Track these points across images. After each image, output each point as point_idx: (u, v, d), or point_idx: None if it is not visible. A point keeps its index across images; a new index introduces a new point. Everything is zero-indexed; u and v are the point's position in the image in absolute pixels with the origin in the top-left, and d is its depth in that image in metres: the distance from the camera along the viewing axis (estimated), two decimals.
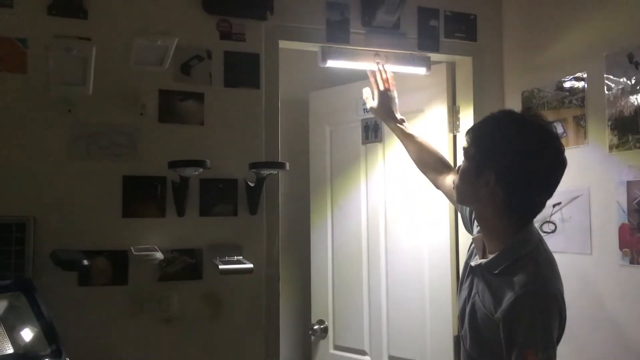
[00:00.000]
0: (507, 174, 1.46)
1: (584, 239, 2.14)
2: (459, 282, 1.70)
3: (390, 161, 2.78)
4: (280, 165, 2.08)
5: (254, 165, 2.08)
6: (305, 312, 3.08)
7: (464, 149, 1.57)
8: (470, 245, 1.69)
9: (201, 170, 1.99)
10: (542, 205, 1.54)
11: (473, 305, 1.55)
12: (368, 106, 2.30)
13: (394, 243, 2.74)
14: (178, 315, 2.08)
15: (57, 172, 1.97)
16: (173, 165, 1.97)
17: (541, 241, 1.56)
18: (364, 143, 2.88)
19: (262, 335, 2.18)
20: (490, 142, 1.49)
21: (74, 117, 1.99)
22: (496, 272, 1.49)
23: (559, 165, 1.49)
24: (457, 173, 1.60)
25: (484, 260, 1.55)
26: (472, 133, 1.55)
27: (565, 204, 2.22)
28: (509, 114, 1.58)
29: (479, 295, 1.54)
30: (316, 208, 3.05)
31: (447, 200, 2.45)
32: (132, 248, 1.99)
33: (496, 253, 1.51)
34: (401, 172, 2.70)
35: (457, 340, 1.64)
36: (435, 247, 2.57)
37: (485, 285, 1.52)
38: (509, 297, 1.41)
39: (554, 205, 2.26)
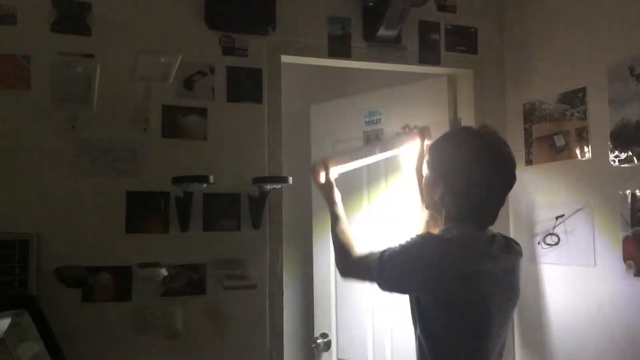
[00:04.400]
0: (452, 184, 1.57)
1: (587, 251, 2.14)
2: None
3: (392, 174, 2.77)
4: (284, 180, 2.08)
5: (258, 180, 2.08)
6: (309, 324, 3.07)
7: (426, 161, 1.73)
8: None
9: (205, 185, 1.99)
10: (492, 213, 1.61)
11: None
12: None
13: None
14: (182, 330, 2.07)
15: (60, 188, 1.98)
16: (177, 181, 1.97)
17: (477, 240, 1.57)
18: None
19: (266, 349, 2.18)
20: (438, 156, 1.63)
21: (78, 133, 2.00)
22: None
23: (501, 170, 1.57)
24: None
25: None
26: (428, 149, 1.73)
27: (569, 216, 2.22)
28: (456, 130, 1.79)
29: None
30: (318, 221, 3.04)
31: None
32: (135, 264, 1.99)
33: None
34: (403, 185, 2.70)
35: None
36: None
37: None
38: None
39: (557, 218, 2.27)
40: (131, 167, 2.05)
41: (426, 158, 1.71)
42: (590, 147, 2.16)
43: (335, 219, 1.81)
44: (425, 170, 1.71)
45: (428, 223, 1.95)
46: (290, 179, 2.08)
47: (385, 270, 1.55)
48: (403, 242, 1.56)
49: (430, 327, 1.54)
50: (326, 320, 2.95)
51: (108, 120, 2.03)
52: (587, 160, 2.17)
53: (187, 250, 2.10)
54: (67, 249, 1.96)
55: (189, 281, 2.08)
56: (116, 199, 2.03)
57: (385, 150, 1.96)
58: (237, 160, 2.17)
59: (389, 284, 1.59)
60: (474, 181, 1.54)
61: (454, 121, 2.59)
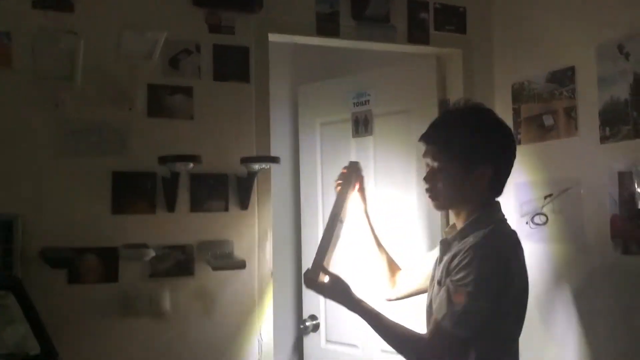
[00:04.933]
0: (499, 161, 1.58)
1: (575, 230, 2.15)
2: (431, 278, 1.74)
3: (381, 155, 2.76)
4: (273, 160, 2.06)
5: (246, 160, 2.06)
6: (297, 305, 3.07)
7: (436, 155, 1.59)
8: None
9: (191, 165, 1.97)
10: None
11: (439, 282, 1.59)
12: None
13: (386, 239, 2.72)
14: (170, 312, 2.05)
15: (45, 169, 1.94)
16: (164, 160, 1.94)
17: (505, 221, 1.64)
18: (354, 136, 2.86)
19: (255, 330, 2.17)
20: (475, 138, 1.56)
21: (61, 112, 1.95)
22: (459, 239, 1.58)
23: (512, 135, 1.70)
24: (426, 180, 1.63)
25: (454, 233, 1.63)
26: (445, 138, 1.59)
27: (557, 196, 2.23)
28: (469, 109, 1.65)
29: (444, 268, 1.58)
30: (307, 202, 3.03)
31: None
32: (122, 245, 1.97)
33: (462, 226, 1.60)
34: (391, 165, 2.70)
35: None
36: (427, 241, 2.57)
37: (450, 255, 1.57)
38: (463, 251, 1.50)
39: (546, 197, 2.27)
40: (116, 147, 2.01)
41: (441, 151, 1.58)
42: (578, 126, 2.16)
43: (372, 318, 1.58)
44: (429, 167, 1.61)
45: (390, 263, 1.92)
46: (280, 159, 2.06)
47: (475, 316, 1.44)
48: (467, 280, 1.44)
49: (483, 332, 1.48)
50: (315, 303, 2.95)
51: (92, 99, 1.98)
52: (576, 139, 2.17)
53: (174, 231, 2.07)
54: (53, 230, 1.93)
55: (177, 262, 2.06)
56: (102, 180, 2.00)
57: (344, 213, 1.79)
58: (224, 140, 2.14)
59: (487, 327, 1.47)
60: (506, 153, 1.60)
61: (443, 102, 2.58)
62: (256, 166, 2.06)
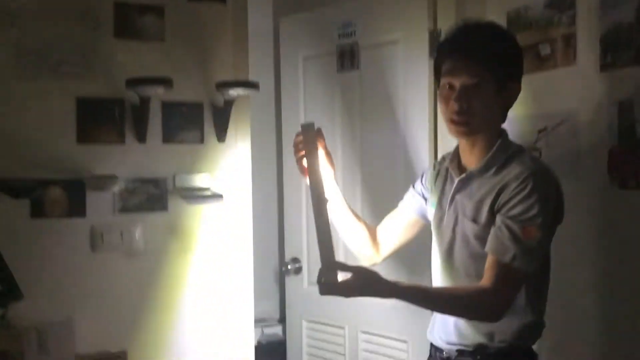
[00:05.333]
0: (521, 78, 1.53)
1: (571, 163, 2.05)
2: (439, 218, 1.60)
3: (368, 91, 2.64)
4: (252, 85, 1.93)
5: (222, 85, 1.92)
6: (280, 244, 3.00)
7: (473, 68, 1.43)
8: (438, 174, 1.67)
9: (162, 90, 1.82)
10: None
11: (474, 220, 1.48)
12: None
13: (370, 180, 2.63)
14: (143, 248, 1.96)
15: (2, 93, 1.79)
16: (132, 83, 1.79)
17: None
18: (339, 71, 2.72)
19: (233, 267, 2.08)
20: (508, 49, 1.51)
21: (19, 31, 1.80)
22: (492, 171, 1.47)
23: None
24: (457, 100, 1.43)
25: (476, 167, 1.50)
26: (483, 48, 1.44)
27: (552, 129, 2.12)
28: (490, 22, 1.66)
29: (467, 205, 1.49)
30: (289, 141, 2.90)
31: (426, 137, 2.35)
32: (89, 177, 1.85)
33: (487, 156, 1.49)
34: (379, 102, 2.57)
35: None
36: (414, 179, 2.47)
37: (476, 191, 1.49)
38: (514, 182, 1.41)
39: (540, 131, 2.17)
40: (80, 71, 1.87)
41: (471, 62, 1.43)
42: (577, 54, 2.04)
43: (419, 295, 1.39)
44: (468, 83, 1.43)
45: (369, 228, 1.74)
46: (259, 85, 1.92)
47: (545, 247, 1.46)
48: (533, 212, 1.37)
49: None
50: (297, 244, 2.87)
51: (53, 17, 1.84)
52: (574, 68, 2.04)
53: (145, 163, 1.96)
54: (12, 160, 1.80)
55: (149, 196, 1.95)
56: (65, 106, 1.87)
57: (324, 185, 1.49)
58: (198, 65, 2.01)
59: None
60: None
61: (433, 32, 2.45)
62: (233, 93, 1.92)
